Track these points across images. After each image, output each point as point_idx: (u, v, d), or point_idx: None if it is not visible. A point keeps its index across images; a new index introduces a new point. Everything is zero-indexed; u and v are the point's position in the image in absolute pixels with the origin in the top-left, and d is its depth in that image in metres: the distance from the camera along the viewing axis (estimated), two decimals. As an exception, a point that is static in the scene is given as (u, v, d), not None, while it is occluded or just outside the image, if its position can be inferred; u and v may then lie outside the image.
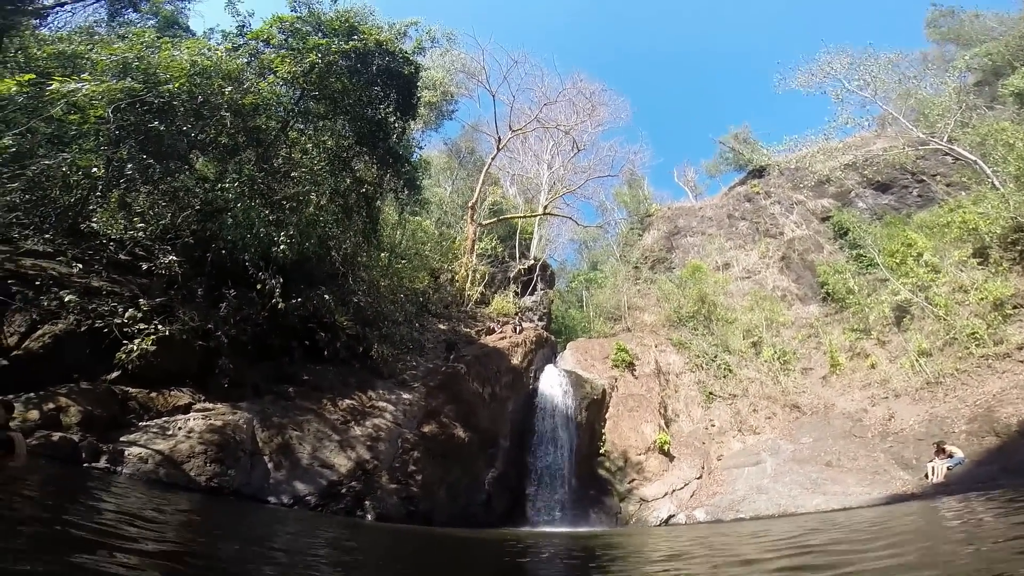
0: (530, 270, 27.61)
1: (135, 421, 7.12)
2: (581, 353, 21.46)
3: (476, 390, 15.26)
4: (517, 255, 30.07)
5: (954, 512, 7.15)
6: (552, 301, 29.50)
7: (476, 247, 25.34)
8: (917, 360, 16.65)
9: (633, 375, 20.21)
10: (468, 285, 23.47)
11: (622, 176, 38.31)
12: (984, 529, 5.40)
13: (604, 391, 18.36)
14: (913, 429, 13.80)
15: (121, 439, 6.63)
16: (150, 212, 8.74)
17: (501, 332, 20.21)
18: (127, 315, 7.76)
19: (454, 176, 34.12)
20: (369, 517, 9.52)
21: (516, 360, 17.90)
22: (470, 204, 26.20)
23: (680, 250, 32.26)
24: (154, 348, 7.82)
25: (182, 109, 9.45)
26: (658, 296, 28.36)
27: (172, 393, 8.06)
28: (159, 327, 8.14)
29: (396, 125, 14.39)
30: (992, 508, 6.90)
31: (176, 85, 9.22)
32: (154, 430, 7.17)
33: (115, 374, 7.38)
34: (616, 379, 19.52)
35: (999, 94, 21.05)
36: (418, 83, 14.93)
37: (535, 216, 31.96)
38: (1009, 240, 17.19)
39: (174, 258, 8.59)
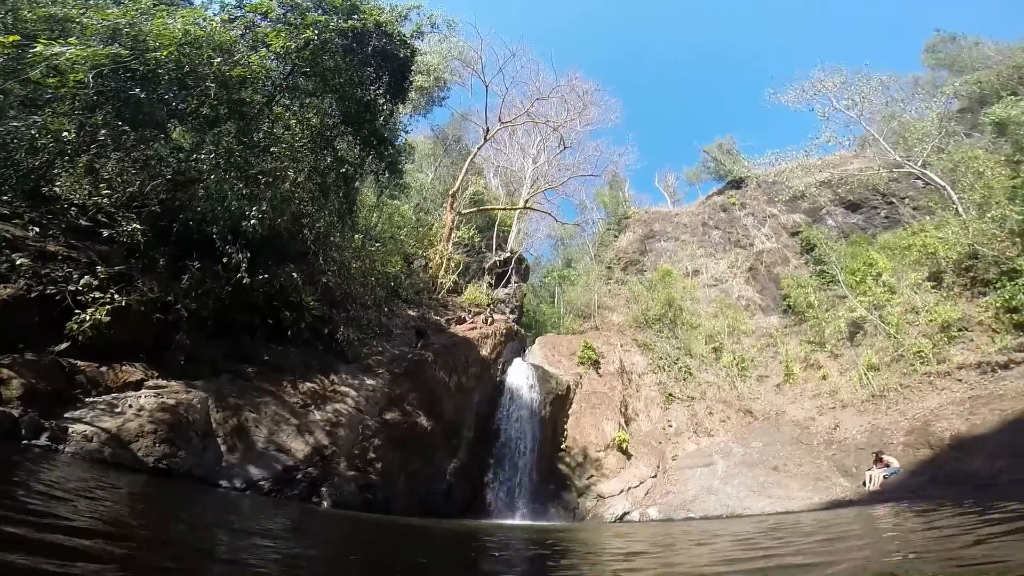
0: (505, 262, 27.60)
1: (82, 396, 6.82)
2: (549, 348, 21.67)
3: (442, 379, 15.24)
4: (494, 247, 30.01)
5: (883, 519, 7.60)
6: (525, 295, 29.64)
7: (453, 235, 25.16)
8: (865, 374, 17.46)
9: (598, 373, 20.54)
10: (442, 273, 23.32)
11: (604, 177, 38.66)
12: (910, 536, 5.75)
13: (569, 387, 18.61)
14: (855, 439, 14.55)
15: (65, 415, 6.35)
16: (118, 179, 8.35)
17: (472, 322, 20.20)
18: (82, 282, 7.41)
19: (437, 163, 33.70)
20: (325, 504, 9.44)
21: (485, 351, 17.94)
22: (451, 192, 25.97)
23: (653, 254, 32.82)
24: (108, 319, 7.51)
25: (167, 77, 9.12)
26: (628, 297, 28.83)
27: (124, 368, 7.75)
28: (115, 296, 7.80)
29: (384, 107, 14.14)
30: (915, 516, 7.34)
31: (164, 53, 8.89)
32: (102, 406, 6.88)
33: (64, 345, 7.06)
34: (581, 376, 19.81)
35: (979, 122, 21.92)
36: (412, 67, 14.69)
37: (515, 209, 31.92)
38: (963, 266, 18.11)
39: (138, 226, 8.24)
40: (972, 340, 15.87)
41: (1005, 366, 14.13)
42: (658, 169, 56.99)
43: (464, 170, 27.39)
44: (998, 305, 15.82)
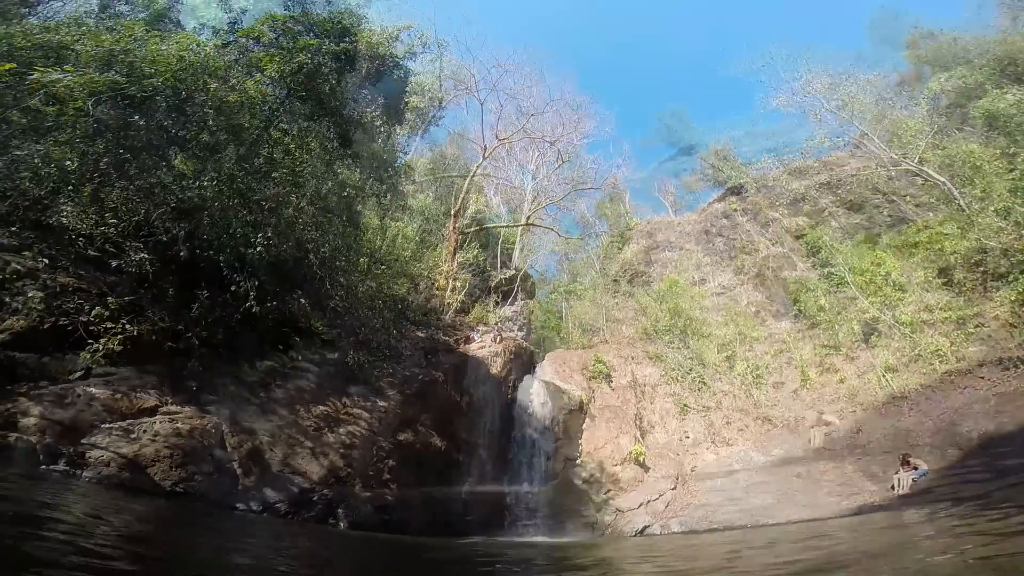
0: (511, 280, 27.65)
1: (98, 423, 6.85)
2: (559, 364, 21.50)
3: (454, 399, 15.19)
4: (498, 264, 30.09)
5: (917, 524, 7.36)
6: (532, 311, 29.58)
7: (457, 255, 25.27)
8: (884, 375, 17.15)
9: (610, 386, 20.33)
10: (448, 293, 23.35)
11: (604, 189, 38.86)
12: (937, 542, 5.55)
13: (581, 402, 18.41)
14: (880, 442, 14.19)
15: (83, 441, 6.37)
16: (123, 208, 8.48)
17: (480, 341, 20.13)
18: (94, 313, 7.50)
19: (438, 183, 34.10)
20: (342, 525, 9.33)
21: (495, 369, 17.86)
22: (453, 212, 26.15)
23: (658, 264, 32.73)
24: (120, 348, 7.57)
25: (164, 104, 9.27)
26: (635, 309, 28.64)
27: (138, 395, 7.78)
28: (127, 326, 7.88)
29: (382, 129, 14.36)
30: (951, 520, 7.11)
31: (161, 80, 9.06)
32: (118, 433, 6.91)
33: (78, 374, 7.11)
34: (593, 390, 19.61)
35: (970, 116, 21.97)
36: (407, 88, 15.00)
37: (518, 226, 32.07)
38: (973, 261, 17.89)
39: (145, 256, 8.35)
40: (990, 336, 15.59)
41: (1027, 361, 13.82)
42: (657, 178, 57.16)
43: (464, 189, 27.62)
44: (1012, 299, 15.59)
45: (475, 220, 31.06)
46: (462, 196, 27.02)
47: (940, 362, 16.02)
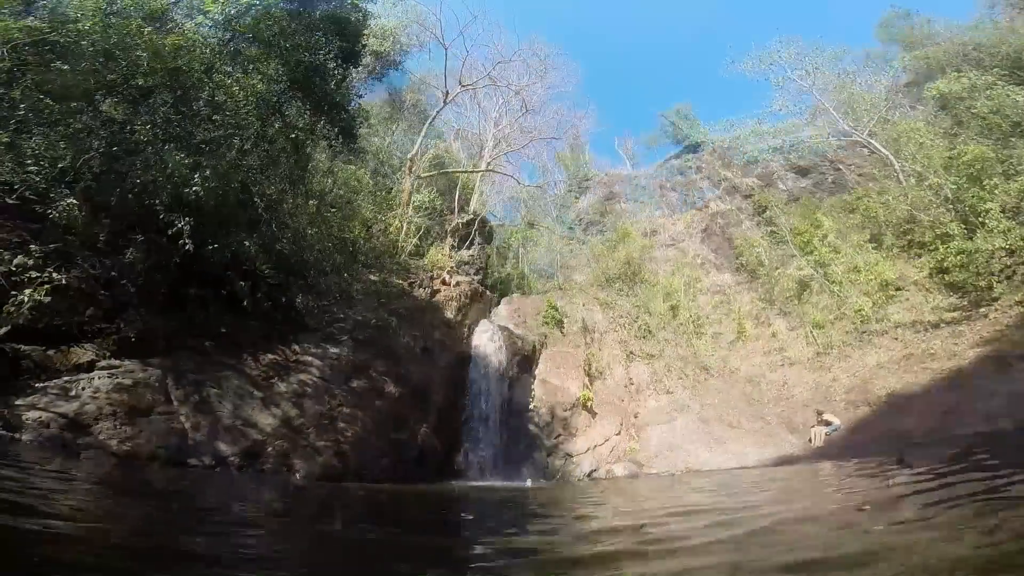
0: (468, 224, 27.20)
1: (31, 382, 6.42)
2: (515, 309, 21.86)
3: (407, 344, 15.17)
4: (456, 209, 29.46)
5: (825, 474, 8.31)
6: (489, 256, 29.48)
7: (413, 199, 24.50)
8: (811, 332, 18.58)
9: (562, 332, 20.94)
10: (402, 236, 22.79)
11: (565, 140, 38.41)
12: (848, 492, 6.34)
13: (535, 347, 18.93)
14: (802, 396, 15.58)
15: (17, 403, 5.98)
16: (46, 154, 7.62)
17: (435, 285, 20.00)
18: (15, 262, 6.82)
19: (395, 127, 32.43)
20: (298, 475, 9.41)
21: (450, 314, 17.90)
22: (410, 156, 25.11)
23: (613, 215, 33.30)
24: (49, 299, 6.98)
25: (92, 49, 8.33)
26: (589, 257, 29.25)
27: (73, 350, 7.30)
28: (54, 275, 7.24)
29: (336, 72, 13.36)
30: (854, 474, 8.03)
31: (88, 25, 8.17)
32: (55, 391, 6.51)
33: (3, 330, 6.53)
34: (546, 336, 20.15)
35: (924, 96, 22.88)
36: (365, 31, 13.87)
37: (477, 172, 31.34)
38: (902, 229, 19.31)
39: (73, 202, 7.58)
40: (908, 300, 17.07)
41: (936, 325, 15.25)
42: (617, 133, 56.74)
43: (423, 133, 26.50)
44: (931, 266, 17.01)
45: (433, 164, 30.09)
46: (420, 140, 25.96)
47: (862, 321, 17.47)
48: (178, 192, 9.39)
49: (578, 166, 38.58)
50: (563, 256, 29.86)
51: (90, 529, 3.21)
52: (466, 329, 18.41)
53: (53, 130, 7.86)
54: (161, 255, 9.54)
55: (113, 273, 8.54)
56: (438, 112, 28.62)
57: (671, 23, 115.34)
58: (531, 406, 17.32)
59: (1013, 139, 17.83)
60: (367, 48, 16.49)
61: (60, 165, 7.74)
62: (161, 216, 9.32)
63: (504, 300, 23.24)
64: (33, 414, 5.99)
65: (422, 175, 26.85)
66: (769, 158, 29.03)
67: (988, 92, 18.90)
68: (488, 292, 24.04)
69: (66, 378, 6.87)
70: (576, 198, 35.82)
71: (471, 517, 6.74)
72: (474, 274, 24.83)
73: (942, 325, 15.14)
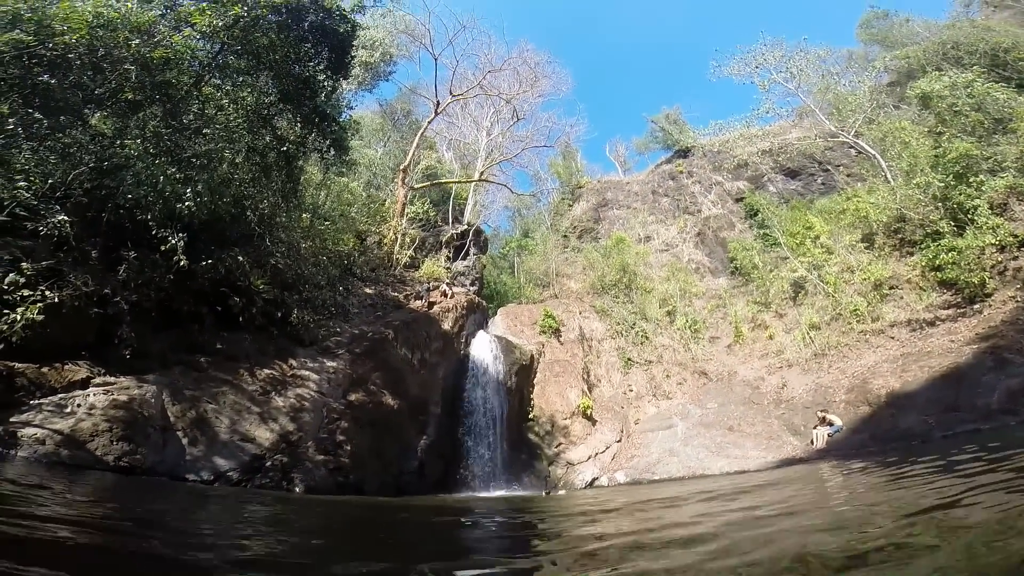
0: (463, 235, 27.27)
1: (26, 399, 6.33)
2: (511, 319, 21.83)
3: (405, 356, 15.09)
4: (451, 220, 29.56)
5: (829, 476, 8.26)
6: (484, 266, 29.53)
7: (407, 210, 24.54)
8: (808, 333, 18.60)
9: (559, 341, 20.93)
10: (397, 248, 22.79)
11: (557, 147, 38.81)
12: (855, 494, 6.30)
13: (532, 356, 18.87)
14: (802, 397, 15.52)
15: (12, 420, 5.89)
16: (36, 170, 7.58)
17: (431, 297, 19.97)
18: (7, 280, 6.74)
19: (387, 138, 32.61)
20: (297, 490, 9.29)
21: (447, 325, 17.84)
22: (402, 167, 25.19)
23: (607, 221, 33.42)
24: (42, 317, 6.90)
25: (79, 62, 8.33)
26: (584, 264, 29.31)
27: (67, 367, 7.21)
28: (47, 293, 7.17)
29: (326, 84, 13.46)
30: (858, 473, 7.98)
31: (75, 37, 8.11)
32: (49, 408, 6.42)
33: (-2, 348, 6.46)
34: (543, 345, 20.13)
35: (906, 95, 23.21)
36: (354, 42, 13.98)
37: (470, 182, 31.48)
38: (892, 228, 19.44)
39: (64, 218, 7.52)
40: (902, 298, 17.13)
41: (932, 323, 15.32)
42: (608, 139, 57.55)
43: (415, 144, 26.61)
44: (923, 264, 17.13)
45: (426, 175, 30.24)
46: (412, 151, 26.07)
47: (857, 321, 17.53)
48: (170, 207, 9.36)
49: (570, 173, 38.88)
50: (558, 264, 29.92)
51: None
52: (463, 340, 18.35)
53: (43, 145, 7.83)
54: (154, 271, 9.49)
55: (106, 290, 8.47)
56: (429, 122, 28.77)
57: (658, 25, 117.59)
58: (531, 415, 17.24)
59: (996, 136, 18.11)
60: (357, 60, 16.61)
61: (50, 181, 7.70)
62: (154, 232, 9.29)
63: (501, 310, 23.24)
64: (29, 431, 5.90)
65: (415, 186, 26.95)
66: (759, 161, 29.29)
67: (968, 90, 19.22)
68: (485, 302, 24.04)
69: (61, 395, 6.78)
70: (569, 206, 36.02)
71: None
72: (470, 285, 24.85)
73: (938, 323, 15.21)
